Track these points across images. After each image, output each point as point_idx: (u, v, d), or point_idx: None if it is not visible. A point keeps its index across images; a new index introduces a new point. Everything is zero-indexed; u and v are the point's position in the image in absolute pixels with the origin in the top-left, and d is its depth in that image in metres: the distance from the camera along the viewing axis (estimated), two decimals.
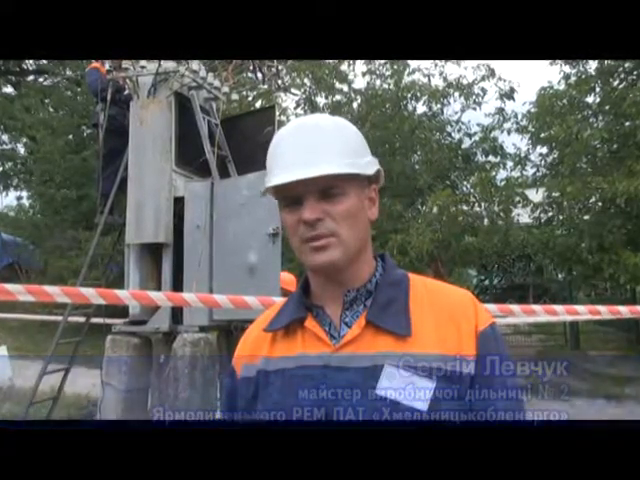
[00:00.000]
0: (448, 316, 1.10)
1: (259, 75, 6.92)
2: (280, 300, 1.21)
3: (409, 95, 12.37)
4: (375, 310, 1.11)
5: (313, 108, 12.92)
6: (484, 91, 12.34)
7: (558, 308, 5.22)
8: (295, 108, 13.58)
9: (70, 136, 15.31)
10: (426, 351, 1.06)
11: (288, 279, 5.55)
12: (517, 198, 10.78)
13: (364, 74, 12.91)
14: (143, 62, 5.53)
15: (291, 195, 1.10)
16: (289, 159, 1.09)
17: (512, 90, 12.17)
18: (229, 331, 5.35)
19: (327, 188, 1.08)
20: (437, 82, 12.57)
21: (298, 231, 1.10)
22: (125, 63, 5.58)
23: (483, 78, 12.08)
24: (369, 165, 1.14)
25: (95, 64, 6.48)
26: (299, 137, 1.10)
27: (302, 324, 1.15)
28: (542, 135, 11.27)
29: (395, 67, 12.52)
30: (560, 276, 16.42)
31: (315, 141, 1.09)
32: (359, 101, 13.32)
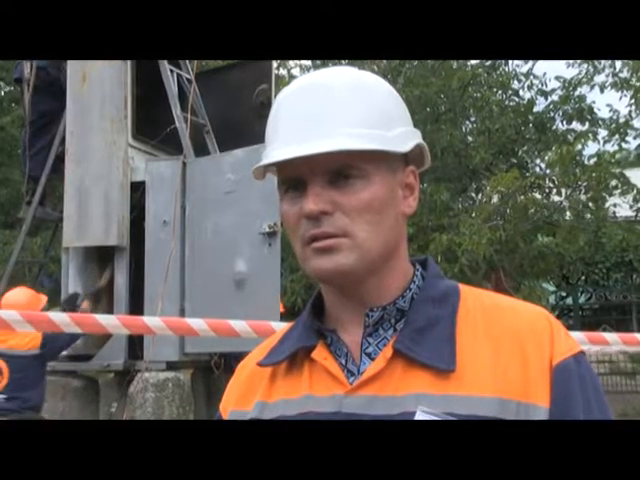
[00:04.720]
0: (511, 344, 1.09)
1: None
2: (280, 325, 1.24)
3: None
4: (407, 336, 1.11)
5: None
6: None
7: None
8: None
9: None
10: (477, 393, 1.05)
11: (21, 299, 4.96)
12: (614, 182, 10.76)
13: None
14: None
15: (293, 178, 1.11)
16: (290, 129, 1.10)
17: None
18: (208, 368, 5.38)
19: (340, 170, 1.08)
20: None
21: (299, 229, 1.10)
22: None
23: None
24: (402, 138, 1.13)
25: None
26: (305, 100, 1.11)
27: (310, 355, 1.15)
28: None
29: None
30: None
31: (326, 105, 1.09)
32: None
